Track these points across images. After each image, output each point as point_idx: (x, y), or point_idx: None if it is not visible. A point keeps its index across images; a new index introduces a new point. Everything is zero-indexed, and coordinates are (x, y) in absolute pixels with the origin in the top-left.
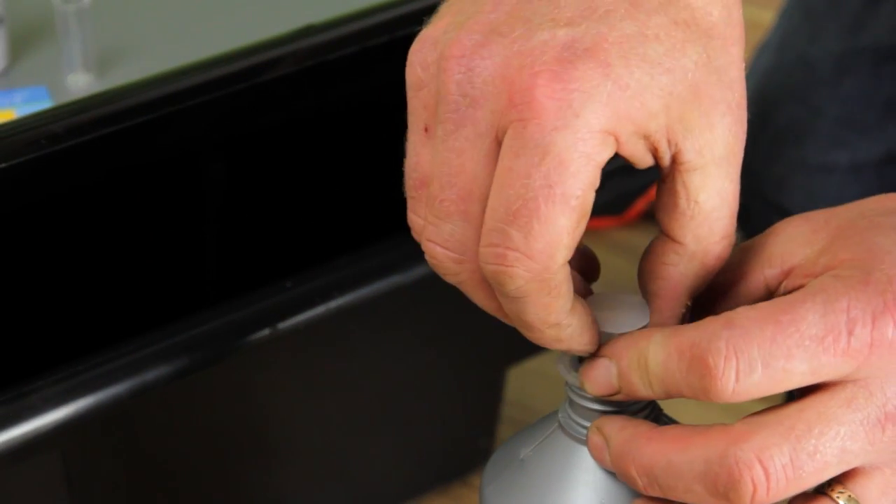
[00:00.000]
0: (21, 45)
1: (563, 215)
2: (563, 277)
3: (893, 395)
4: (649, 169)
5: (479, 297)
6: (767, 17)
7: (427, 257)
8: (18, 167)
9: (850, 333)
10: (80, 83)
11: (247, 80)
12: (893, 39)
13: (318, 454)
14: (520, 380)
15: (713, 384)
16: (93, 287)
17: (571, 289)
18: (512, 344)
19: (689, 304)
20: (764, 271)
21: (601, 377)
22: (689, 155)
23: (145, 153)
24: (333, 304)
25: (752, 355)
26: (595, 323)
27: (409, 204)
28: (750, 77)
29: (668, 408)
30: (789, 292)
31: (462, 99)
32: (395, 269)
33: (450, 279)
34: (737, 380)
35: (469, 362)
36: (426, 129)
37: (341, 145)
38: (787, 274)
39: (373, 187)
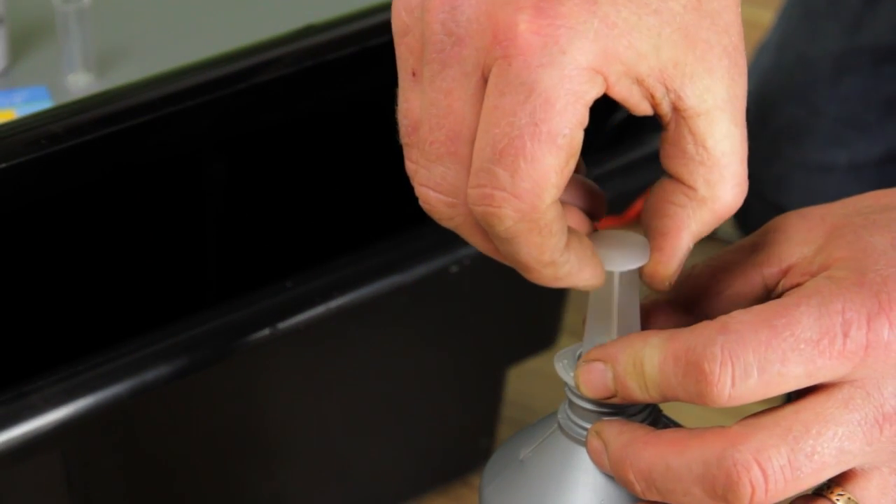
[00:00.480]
0: (21, 45)
1: (549, 154)
2: (552, 216)
3: (890, 396)
4: (649, 169)
5: (475, 241)
6: (767, 16)
7: (421, 203)
8: (18, 167)
9: (845, 335)
10: (80, 83)
11: (247, 80)
12: (892, 39)
13: (318, 454)
14: (520, 380)
15: (709, 390)
16: (93, 287)
17: (564, 227)
18: (512, 344)
19: (690, 247)
20: (762, 270)
21: (597, 381)
22: (690, 101)
23: (145, 153)
24: (333, 304)
25: (748, 360)
26: (596, 258)
27: (405, 151)
28: (749, 77)
29: (668, 409)
30: (787, 290)
31: (447, 38)
32: (395, 269)
33: (445, 223)
34: (733, 385)
35: (469, 362)
36: (414, 74)
37: (341, 145)
38: (784, 273)
39: (373, 187)
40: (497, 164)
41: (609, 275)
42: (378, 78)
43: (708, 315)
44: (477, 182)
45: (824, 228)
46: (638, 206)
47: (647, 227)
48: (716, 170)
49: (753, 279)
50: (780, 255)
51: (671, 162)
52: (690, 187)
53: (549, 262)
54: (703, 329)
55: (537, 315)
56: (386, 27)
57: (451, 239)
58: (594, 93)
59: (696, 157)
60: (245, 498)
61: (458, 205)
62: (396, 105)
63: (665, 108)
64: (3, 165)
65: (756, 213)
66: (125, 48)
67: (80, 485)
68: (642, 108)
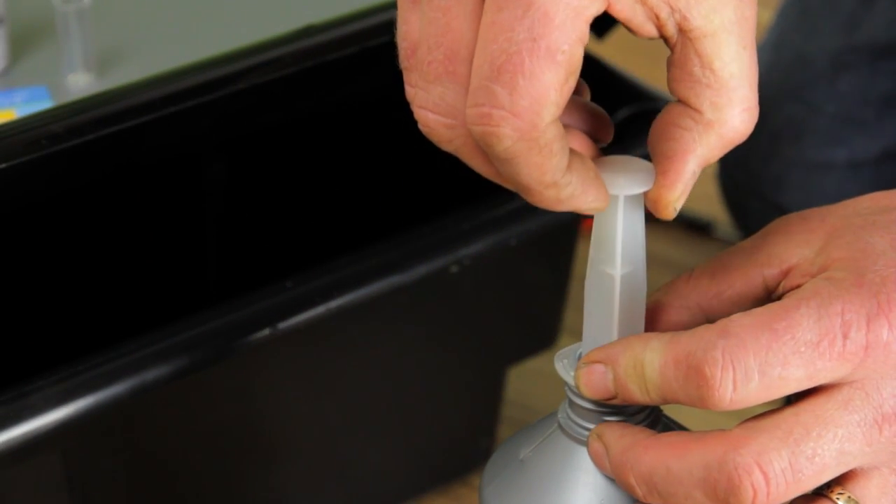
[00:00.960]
0: (21, 45)
1: (548, 70)
2: (553, 136)
3: (889, 396)
4: None
5: (476, 164)
6: (766, 16)
7: (420, 126)
8: (18, 167)
9: (845, 337)
10: (80, 83)
11: (247, 80)
12: (889, 36)
13: (318, 454)
14: (520, 380)
15: (710, 394)
16: (93, 287)
17: (566, 147)
18: (512, 344)
19: (696, 172)
20: (762, 271)
21: (597, 382)
22: (696, 21)
23: (145, 153)
24: (333, 304)
25: (749, 364)
26: (600, 180)
27: (404, 76)
28: None
29: (669, 409)
30: (788, 292)
31: None
32: (395, 269)
33: (444, 147)
34: (734, 389)
35: (469, 362)
36: None
37: (341, 145)
38: (785, 274)
39: (373, 187)
40: (495, 81)
41: (613, 199)
42: (378, 78)
43: (709, 316)
44: (475, 101)
45: (824, 230)
46: None
47: (652, 151)
48: (723, 92)
49: (754, 280)
50: (780, 256)
51: (677, 85)
52: (697, 110)
53: (551, 184)
54: (704, 333)
55: (537, 315)
56: (386, 27)
57: (451, 239)
58: (594, 9)
59: (703, 80)
60: (245, 498)
61: (457, 126)
62: (395, 28)
63: (670, 30)
64: (3, 165)
65: (755, 213)
66: (125, 48)
67: (80, 485)
68: (646, 29)
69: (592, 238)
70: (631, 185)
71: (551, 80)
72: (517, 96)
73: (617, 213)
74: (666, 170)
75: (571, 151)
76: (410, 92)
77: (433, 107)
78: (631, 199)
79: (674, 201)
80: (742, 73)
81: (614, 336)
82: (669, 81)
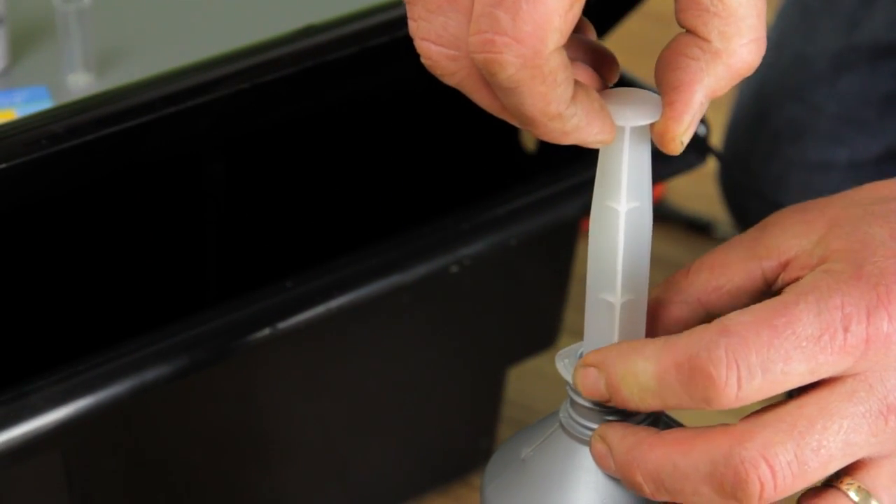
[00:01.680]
0: (21, 45)
1: None
2: (556, 64)
3: (894, 387)
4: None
5: (480, 97)
6: (766, 16)
7: (423, 59)
8: (18, 167)
9: (845, 330)
10: (80, 83)
11: (247, 80)
12: (889, 36)
13: (318, 454)
14: (520, 380)
15: (716, 393)
16: (93, 287)
17: (570, 77)
18: (512, 344)
19: (704, 104)
20: (761, 264)
21: (591, 386)
22: None
23: (145, 153)
24: (333, 304)
25: (752, 362)
26: (605, 112)
27: (407, 11)
28: (748, 76)
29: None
30: (787, 284)
31: None
32: (395, 269)
33: (447, 80)
34: (739, 387)
35: (469, 362)
36: None
37: (341, 145)
38: (784, 266)
39: (373, 187)
40: (497, 7)
41: (619, 130)
42: (378, 78)
43: (709, 311)
44: (478, 28)
45: (823, 221)
46: None
47: (659, 83)
48: (731, 21)
49: (754, 273)
50: (779, 248)
51: (685, 15)
52: (705, 39)
53: (556, 115)
54: (703, 333)
55: (537, 315)
56: (386, 27)
57: (451, 239)
58: None
59: (711, 9)
60: (245, 498)
61: (459, 57)
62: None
63: None
64: (3, 165)
65: (756, 213)
66: (125, 48)
67: (80, 485)
68: None
69: (597, 173)
70: (637, 116)
71: (555, 5)
72: (520, 21)
73: (623, 146)
74: (673, 101)
75: (576, 83)
76: (413, 26)
77: (436, 38)
78: (637, 131)
79: (680, 134)
80: (750, 2)
81: (618, 277)
82: (677, 12)
